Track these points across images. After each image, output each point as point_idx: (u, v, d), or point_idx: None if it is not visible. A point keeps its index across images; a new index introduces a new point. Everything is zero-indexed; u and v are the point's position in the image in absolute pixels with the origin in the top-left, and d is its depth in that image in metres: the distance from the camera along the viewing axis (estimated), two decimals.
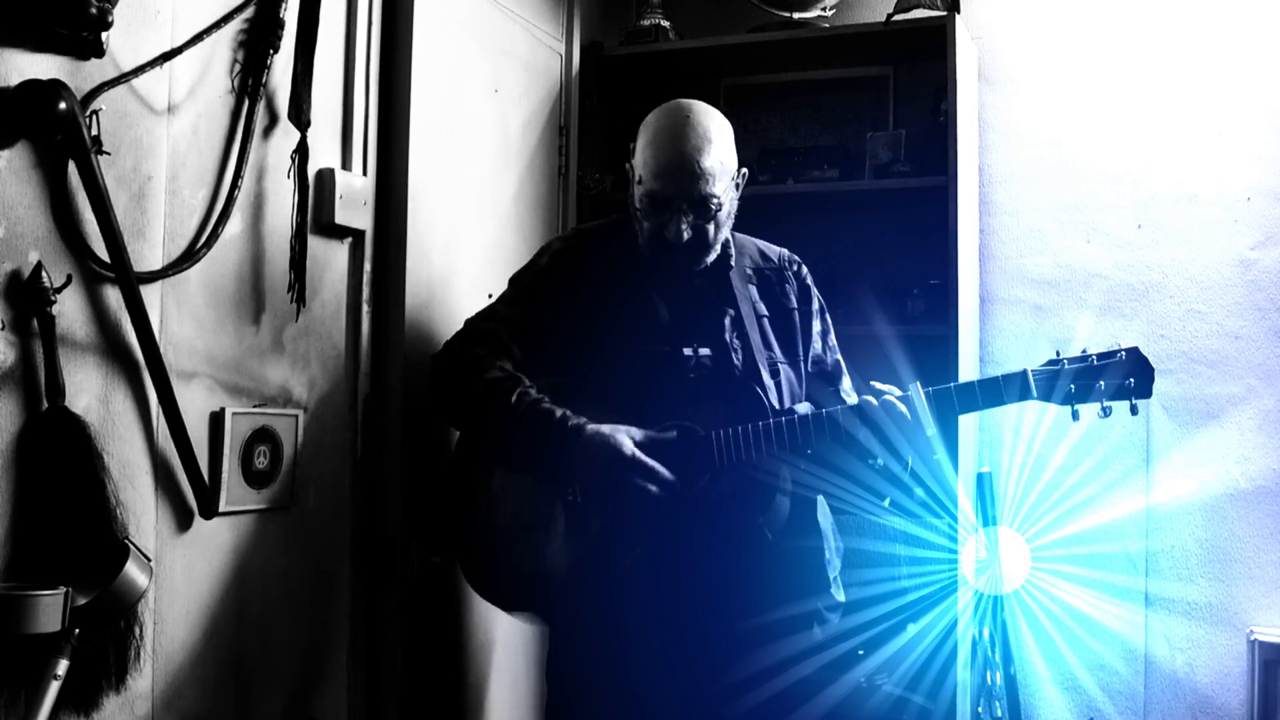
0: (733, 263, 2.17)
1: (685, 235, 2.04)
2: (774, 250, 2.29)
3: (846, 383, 2.28)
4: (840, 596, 2.17)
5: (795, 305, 2.23)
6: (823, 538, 2.15)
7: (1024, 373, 1.96)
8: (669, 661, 2.05)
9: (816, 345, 2.25)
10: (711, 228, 2.07)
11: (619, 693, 2.07)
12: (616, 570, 2.04)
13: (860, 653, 2.84)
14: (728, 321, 2.13)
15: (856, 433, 1.96)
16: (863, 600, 2.52)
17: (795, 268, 2.27)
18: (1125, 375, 1.93)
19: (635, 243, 2.14)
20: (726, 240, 2.16)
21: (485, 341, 2.14)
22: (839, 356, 2.30)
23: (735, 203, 2.14)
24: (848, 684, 2.16)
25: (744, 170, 2.16)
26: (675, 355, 2.09)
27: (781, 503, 2.06)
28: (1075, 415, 1.97)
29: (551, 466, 2.04)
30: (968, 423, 2.85)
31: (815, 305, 2.27)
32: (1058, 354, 1.98)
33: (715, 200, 2.04)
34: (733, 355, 2.11)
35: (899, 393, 1.98)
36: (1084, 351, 1.97)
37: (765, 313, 2.18)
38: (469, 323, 2.23)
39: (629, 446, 1.99)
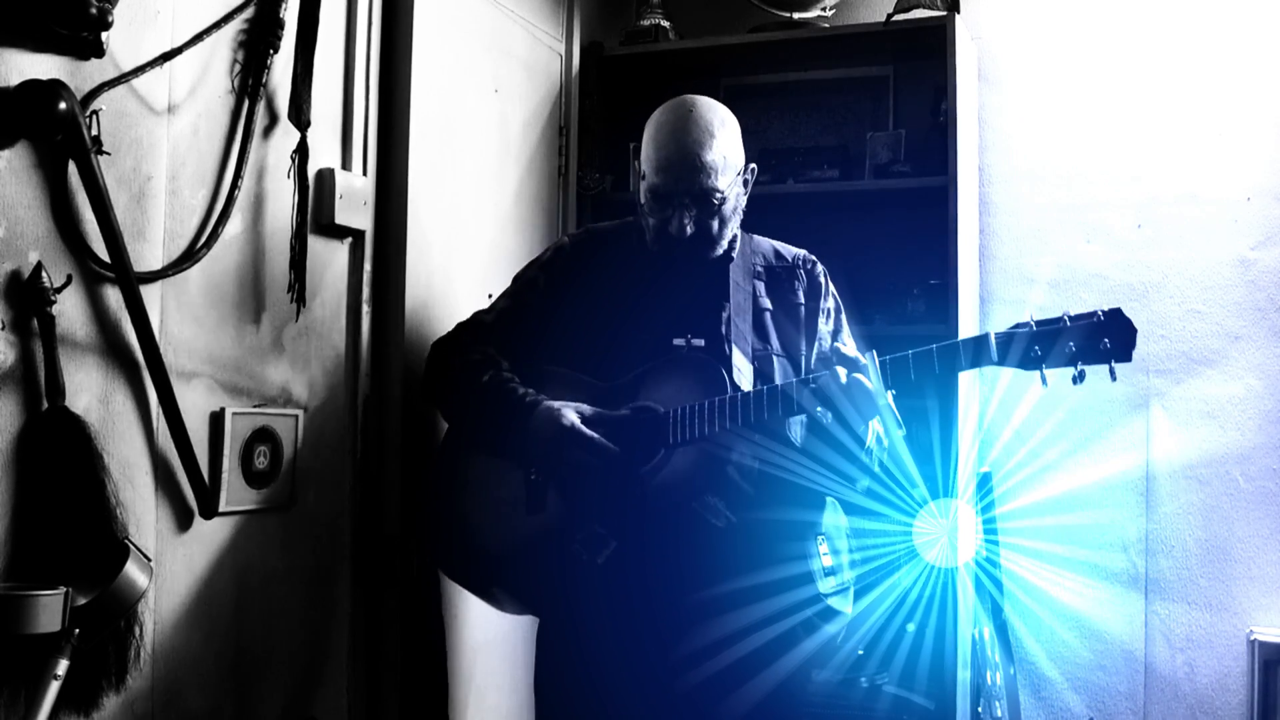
0: (733, 255, 2.15)
1: (688, 230, 2.04)
2: (790, 251, 2.26)
3: None
4: (841, 606, 2.09)
5: (803, 301, 2.19)
6: (793, 517, 2.08)
7: (985, 336, 1.81)
8: (629, 635, 2.05)
9: (825, 343, 2.20)
10: (715, 223, 2.07)
11: (581, 667, 2.09)
12: (575, 547, 2.04)
13: (860, 653, 2.84)
14: (724, 315, 2.11)
15: (808, 404, 1.91)
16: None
17: (809, 265, 2.24)
18: (1101, 336, 1.75)
19: (643, 242, 2.14)
20: (735, 236, 2.15)
21: (475, 330, 2.23)
22: (851, 355, 2.21)
23: (743, 198, 2.12)
24: (798, 658, 2.06)
25: (752, 166, 2.14)
26: (664, 347, 2.08)
27: (737, 481, 2.01)
28: (1044, 381, 1.78)
29: (514, 443, 2.09)
30: (969, 418, 2.85)
31: (827, 303, 2.22)
32: (1031, 317, 1.81)
33: (718, 195, 2.03)
34: (725, 346, 2.10)
35: (862, 359, 1.92)
36: (1065, 312, 1.79)
37: (768, 307, 2.16)
38: (472, 315, 2.28)
39: (569, 419, 2.02)
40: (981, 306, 3.17)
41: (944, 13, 2.90)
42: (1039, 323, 1.78)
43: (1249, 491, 2.94)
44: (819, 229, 3.23)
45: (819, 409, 1.92)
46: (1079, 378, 1.75)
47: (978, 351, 1.81)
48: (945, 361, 1.84)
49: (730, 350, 2.07)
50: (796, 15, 3.11)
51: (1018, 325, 1.80)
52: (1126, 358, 1.75)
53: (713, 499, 1.99)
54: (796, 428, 2.06)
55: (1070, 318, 1.77)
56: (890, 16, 2.94)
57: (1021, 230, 3.18)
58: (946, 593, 2.75)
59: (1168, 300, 3.04)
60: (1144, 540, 3.02)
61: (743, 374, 2.05)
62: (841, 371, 1.89)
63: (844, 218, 3.21)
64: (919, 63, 3.14)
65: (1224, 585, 2.95)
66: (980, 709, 2.87)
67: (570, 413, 2.04)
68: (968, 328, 2.92)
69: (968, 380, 2.88)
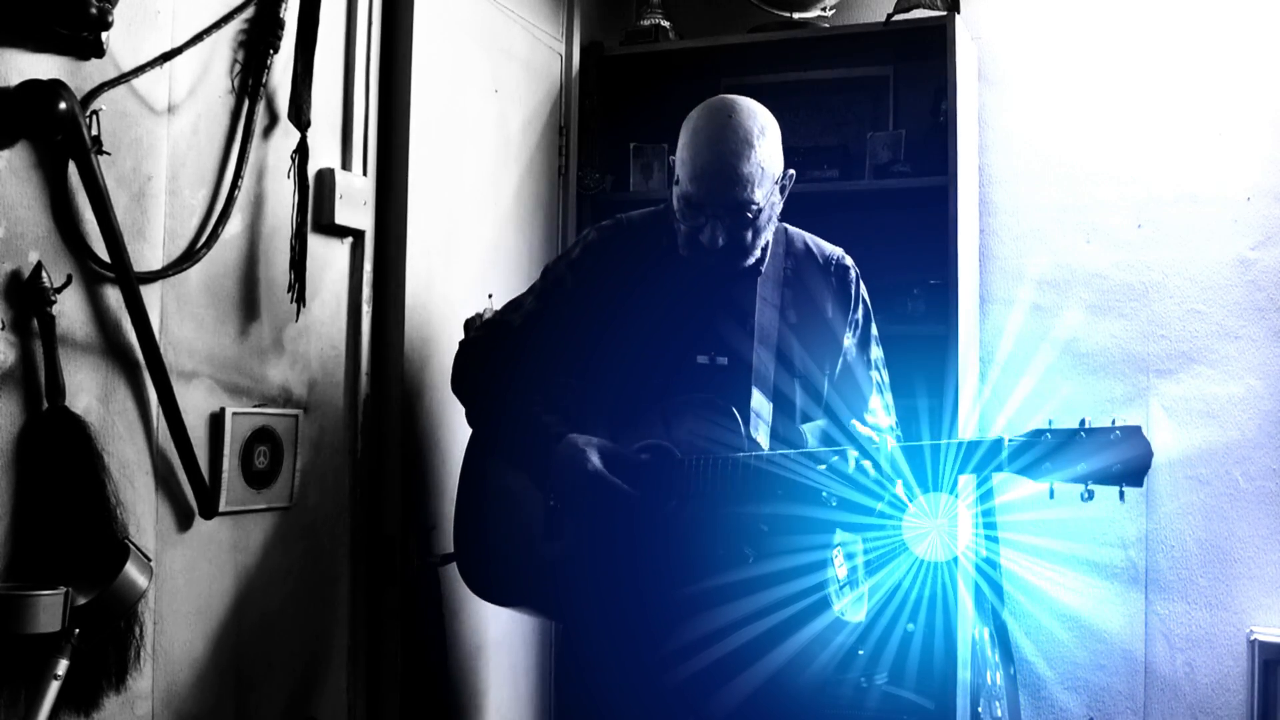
0: (763, 267, 2.08)
1: (720, 241, 1.96)
2: (824, 250, 2.18)
3: (875, 401, 2.17)
4: (853, 615, 2.06)
5: (830, 315, 2.13)
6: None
7: (999, 441, 1.81)
8: (627, 637, 2.05)
9: (849, 357, 2.15)
10: (749, 234, 1.99)
11: (603, 675, 2.09)
12: (591, 580, 2.04)
13: (860, 652, 2.84)
14: (748, 330, 2.06)
15: (821, 483, 1.89)
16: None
17: (842, 271, 2.16)
18: (1114, 459, 1.74)
19: (673, 237, 2.06)
20: (767, 243, 2.08)
21: (503, 333, 2.18)
22: (874, 371, 2.20)
23: (778, 206, 2.05)
24: (790, 649, 2.05)
25: (790, 172, 2.06)
26: (688, 363, 2.04)
27: (754, 527, 1.99)
28: (1051, 493, 1.79)
29: (535, 467, 2.08)
30: (965, 414, 2.85)
31: (856, 314, 2.16)
32: (1049, 423, 1.79)
33: (754, 207, 1.95)
34: (747, 379, 2.04)
35: (876, 440, 1.91)
36: (1081, 423, 1.77)
37: (794, 321, 2.09)
38: (497, 313, 2.25)
39: (593, 462, 1.98)
40: (981, 306, 3.17)
41: (944, 13, 2.90)
42: (1054, 432, 1.78)
43: (1249, 491, 2.94)
44: (819, 229, 3.23)
45: (825, 494, 1.89)
46: (1087, 495, 1.75)
47: (991, 456, 1.81)
48: (964, 459, 1.83)
49: (750, 390, 2.02)
50: (796, 15, 3.11)
51: (1035, 432, 1.79)
52: (1138, 482, 1.75)
53: (730, 543, 1.97)
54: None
55: (1087, 432, 1.76)
56: (890, 16, 2.94)
57: (1021, 230, 3.18)
58: (947, 592, 2.75)
59: (1168, 300, 3.04)
60: (1144, 540, 3.02)
61: (760, 416, 2.01)
62: (851, 456, 1.87)
63: (844, 218, 3.20)
64: (919, 63, 3.14)
65: (1224, 585, 2.95)
66: (980, 709, 2.87)
67: (594, 455, 1.99)
68: (968, 327, 2.93)
69: (964, 376, 2.89)
